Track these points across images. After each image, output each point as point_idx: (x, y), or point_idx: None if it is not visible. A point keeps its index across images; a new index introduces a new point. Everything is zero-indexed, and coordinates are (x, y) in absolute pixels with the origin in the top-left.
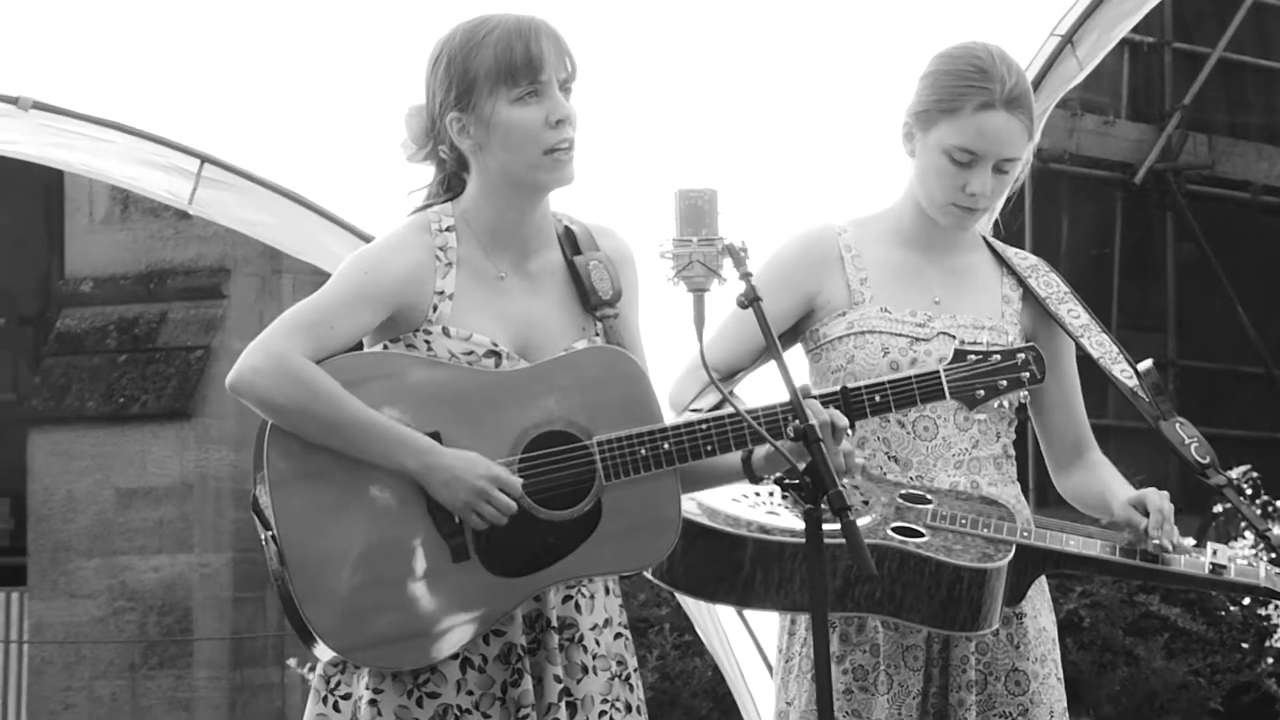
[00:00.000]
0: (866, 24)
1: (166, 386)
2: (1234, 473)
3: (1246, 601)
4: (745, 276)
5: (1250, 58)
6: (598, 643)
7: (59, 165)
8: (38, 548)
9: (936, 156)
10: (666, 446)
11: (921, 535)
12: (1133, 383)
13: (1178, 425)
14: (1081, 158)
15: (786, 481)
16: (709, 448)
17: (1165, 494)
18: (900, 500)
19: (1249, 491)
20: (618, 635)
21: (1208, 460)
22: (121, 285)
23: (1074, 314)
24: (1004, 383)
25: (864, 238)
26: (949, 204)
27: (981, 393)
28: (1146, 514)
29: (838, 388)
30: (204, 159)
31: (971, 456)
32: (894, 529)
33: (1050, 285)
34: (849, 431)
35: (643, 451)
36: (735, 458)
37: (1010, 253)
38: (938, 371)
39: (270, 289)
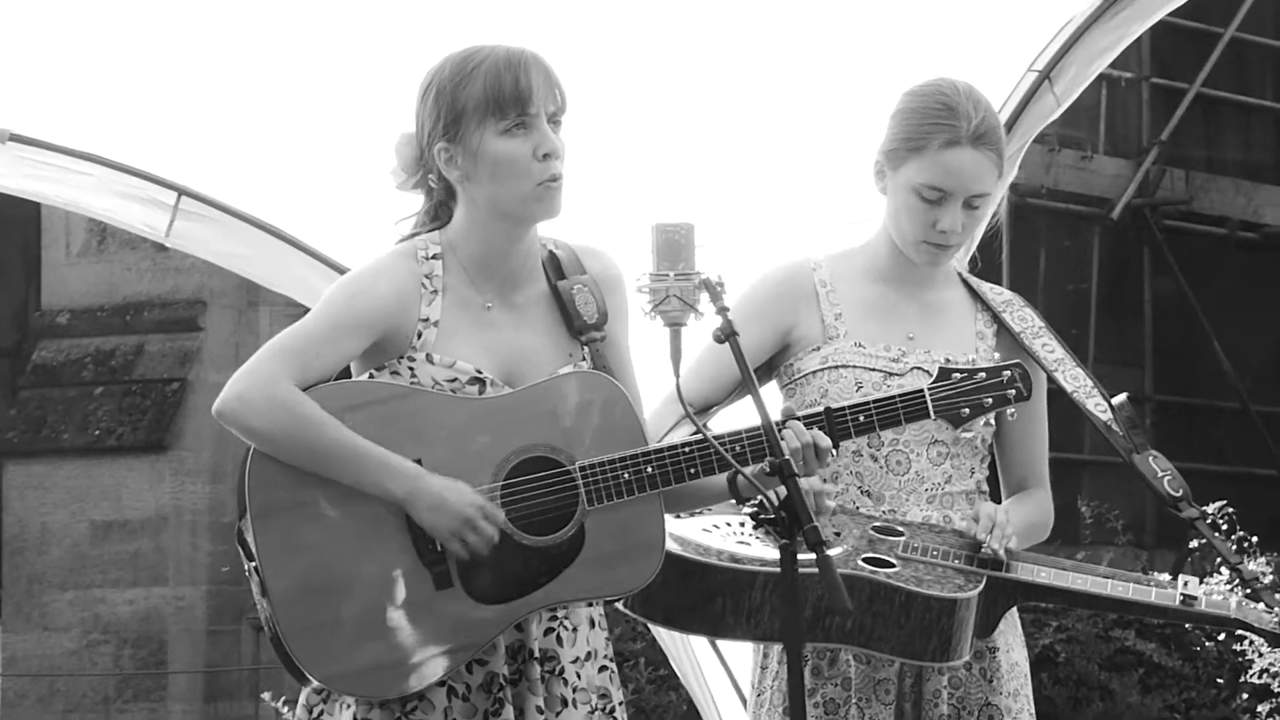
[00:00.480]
0: (844, 59)
1: (143, 419)
2: (1210, 508)
3: (1222, 637)
4: (722, 311)
5: (1228, 93)
6: (579, 675)
7: (36, 197)
8: (12, 580)
9: (906, 195)
10: (649, 470)
11: (892, 566)
12: (1106, 416)
13: (1151, 459)
14: (1059, 193)
15: (762, 516)
16: (692, 471)
17: (1001, 506)
18: (872, 533)
19: (1224, 526)
20: (602, 668)
21: (1180, 494)
22: (98, 317)
23: (1049, 348)
24: (989, 400)
25: (839, 273)
26: (921, 241)
27: (966, 411)
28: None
29: (821, 408)
30: (181, 192)
31: (944, 491)
32: (865, 559)
33: (1025, 320)
34: (833, 453)
35: (625, 475)
36: (721, 478)
37: (985, 288)
38: (922, 390)
39: (247, 322)
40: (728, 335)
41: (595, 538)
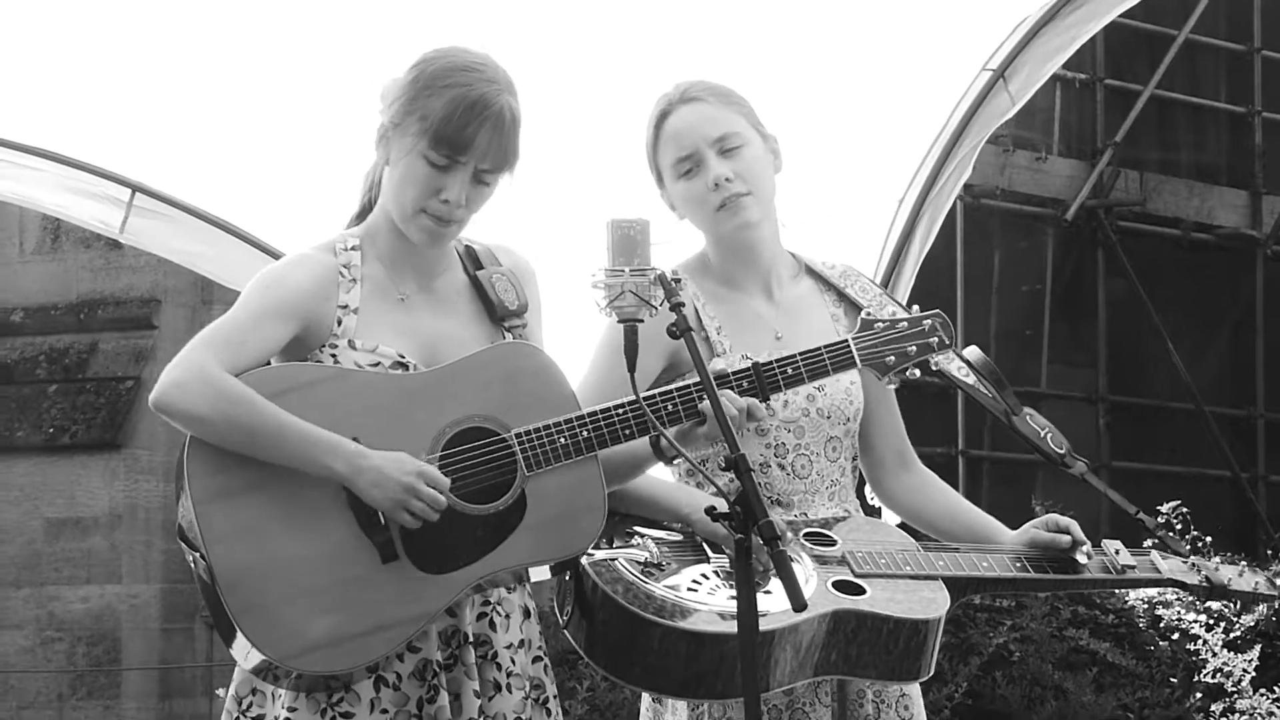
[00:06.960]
0: (799, 60)
1: (96, 417)
2: (1164, 508)
3: (1175, 636)
4: (677, 307)
5: (1182, 95)
6: (513, 661)
7: None
8: None
9: (678, 187)
10: (585, 434)
11: (863, 590)
12: (971, 379)
13: (1029, 418)
14: (1013, 194)
15: (717, 511)
16: (626, 432)
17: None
18: (806, 543)
19: (1179, 527)
20: (536, 659)
21: (1064, 450)
22: (52, 315)
23: (897, 315)
24: (913, 348)
25: (701, 286)
26: (714, 211)
27: (892, 359)
28: (1056, 532)
29: (749, 364)
30: (135, 188)
31: (840, 485)
32: (834, 585)
33: (866, 291)
34: (767, 412)
35: (562, 440)
36: (644, 442)
37: (819, 265)
38: (847, 340)
39: (201, 319)
40: (683, 331)
41: (537, 503)
